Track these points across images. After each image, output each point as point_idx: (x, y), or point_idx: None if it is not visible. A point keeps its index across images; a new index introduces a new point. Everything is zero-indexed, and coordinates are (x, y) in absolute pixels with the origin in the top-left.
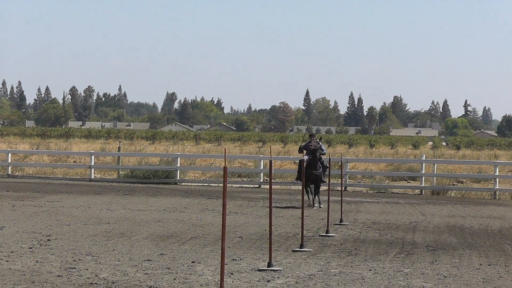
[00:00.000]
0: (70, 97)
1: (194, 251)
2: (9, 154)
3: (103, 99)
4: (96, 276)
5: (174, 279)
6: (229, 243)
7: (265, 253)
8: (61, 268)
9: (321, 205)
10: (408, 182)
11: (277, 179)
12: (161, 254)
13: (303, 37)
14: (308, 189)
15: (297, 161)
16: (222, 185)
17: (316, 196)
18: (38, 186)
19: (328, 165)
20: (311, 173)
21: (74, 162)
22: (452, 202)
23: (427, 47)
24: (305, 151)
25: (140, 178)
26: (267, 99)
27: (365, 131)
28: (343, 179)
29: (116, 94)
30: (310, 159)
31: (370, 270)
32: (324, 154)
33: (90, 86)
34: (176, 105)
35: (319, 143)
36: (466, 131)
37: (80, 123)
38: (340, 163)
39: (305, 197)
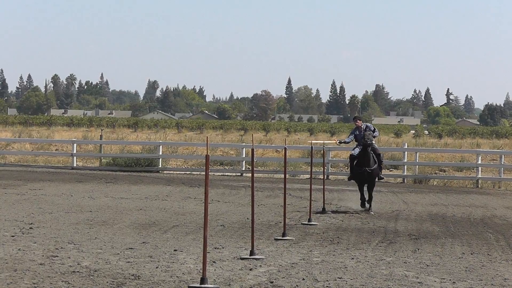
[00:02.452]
0: (52, 85)
1: (176, 240)
2: None
3: (85, 87)
4: (78, 264)
5: (157, 267)
6: (211, 232)
7: (247, 242)
8: (43, 256)
9: (371, 211)
10: (390, 171)
11: (259, 167)
12: (143, 242)
13: (285, 25)
14: (364, 192)
15: (280, 150)
16: (204, 173)
17: (371, 201)
18: (20, 174)
19: (382, 160)
20: (364, 172)
21: (56, 150)
22: (434, 190)
23: (410, 36)
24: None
25: (122, 166)
26: (249, 87)
27: (347, 120)
28: (325, 167)
29: (98, 82)
30: (360, 153)
31: (352, 258)
32: (376, 137)
33: (72, 74)
34: (158, 93)
35: (368, 129)
36: (448, 120)
37: (62, 111)
38: (322, 152)
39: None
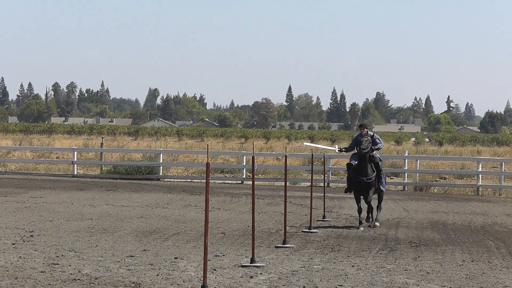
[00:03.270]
0: (52, 93)
1: (177, 247)
2: None
3: (85, 95)
4: (79, 272)
5: (157, 275)
6: (212, 239)
7: (248, 249)
8: (44, 264)
9: (377, 223)
10: (391, 178)
11: (259, 175)
12: (144, 250)
13: (285, 33)
14: (360, 204)
15: (280, 157)
16: (204, 181)
17: (373, 212)
18: (21, 182)
19: (381, 168)
20: (361, 181)
21: (57, 158)
22: (435, 198)
23: (410, 43)
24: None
25: (122, 174)
26: (249, 95)
27: (347, 127)
28: (326, 175)
29: (99, 90)
30: (358, 161)
31: (353, 266)
32: (380, 149)
33: (72, 82)
34: (158, 101)
35: (372, 138)
36: (448, 127)
37: (63, 119)
38: (323, 159)
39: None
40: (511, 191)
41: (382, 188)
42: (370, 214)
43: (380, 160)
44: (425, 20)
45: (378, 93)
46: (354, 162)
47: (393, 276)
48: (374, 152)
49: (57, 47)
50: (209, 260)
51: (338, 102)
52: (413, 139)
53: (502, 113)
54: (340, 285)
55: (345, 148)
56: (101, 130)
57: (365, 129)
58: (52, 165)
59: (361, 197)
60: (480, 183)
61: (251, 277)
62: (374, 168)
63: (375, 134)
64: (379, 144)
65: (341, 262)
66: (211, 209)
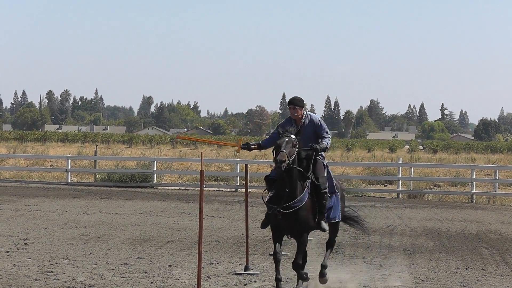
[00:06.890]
0: (46, 101)
1: (171, 255)
2: None
3: (79, 102)
4: (73, 279)
5: (151, 282)
6: (206, 247)
7: (242, 257)
8: (38, 271)
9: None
10: (385, 186)
11: (253, 183)
12: (138, 257)
13: (279, 40)
14: (279, 249)
15: (274, 165)
16: (198, 188)
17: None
18: (15, 189)
19: (337, 184)
20: (275, 212)
21: (51, 165)
22: (429, 205)
23: (404, 51)
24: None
25: (116, 181)
26: (243, 102)
27: (341, 135)
28: None
29: (93, 98)
30: (278, 175)
31: (347, 273)
32: (326, 149)
33: (66, 90)
34: (152, 108)
35: (316, 124)
36: (442, 135)
37: (57, 126)
38: None
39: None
40: (505, 199)
41: (337, 218)
42: (298, 273)
43: (326, 167)
44: (419, 27)
45: (372, 101)
46: (274, 175)
47: (387, 284)
48: (321, 153)
49: (51, 55)
50: (203, 267)
51: (332, 109)
52: (407, 146)
53: (496, 120)
54: None
55: (254, 143)
56: (95, 138)
57: (298, 109)
58: (46, 173)
59: (284, 237)
60: (474, 191)
61: (245, 284)
62: (306, 185)
63: (316, 117)
64: (325, 141)
65: (335, 269)
66: (205, 216)
